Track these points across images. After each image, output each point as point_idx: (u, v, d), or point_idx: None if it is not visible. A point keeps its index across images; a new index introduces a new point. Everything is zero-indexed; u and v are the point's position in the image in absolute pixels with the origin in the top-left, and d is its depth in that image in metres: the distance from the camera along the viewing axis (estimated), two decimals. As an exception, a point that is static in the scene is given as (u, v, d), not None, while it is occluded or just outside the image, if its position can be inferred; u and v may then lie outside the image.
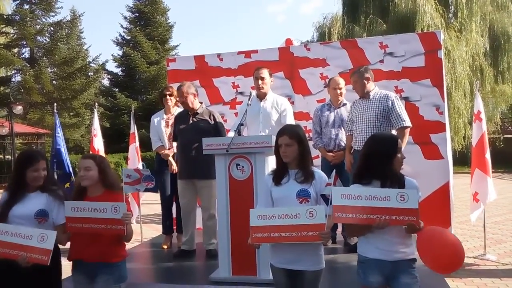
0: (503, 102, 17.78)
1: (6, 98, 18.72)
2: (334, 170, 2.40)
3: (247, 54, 5.60)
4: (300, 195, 2.33)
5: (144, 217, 8.06)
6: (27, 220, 2.48)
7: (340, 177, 2.47)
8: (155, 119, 4.76)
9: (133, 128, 6.40)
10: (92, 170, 2.51)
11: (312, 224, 2.20)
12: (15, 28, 21.92)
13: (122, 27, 25.60)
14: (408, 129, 3.90)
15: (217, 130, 4.06)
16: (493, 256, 5.25)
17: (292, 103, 5.09)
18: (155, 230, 7.12)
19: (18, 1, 22.07)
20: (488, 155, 5.17)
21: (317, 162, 4.29)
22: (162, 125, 4.68)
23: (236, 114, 4.80)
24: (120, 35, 25.54)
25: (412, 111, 4.64)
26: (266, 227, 2.27)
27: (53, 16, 23.28)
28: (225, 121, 4.47)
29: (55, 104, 8.59)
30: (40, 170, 2.54)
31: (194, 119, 4.12)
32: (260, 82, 4.09)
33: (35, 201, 2.53)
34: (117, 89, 24.95)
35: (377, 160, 2.23)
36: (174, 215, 4.72)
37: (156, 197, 5.05)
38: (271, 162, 3.12)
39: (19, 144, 18.69)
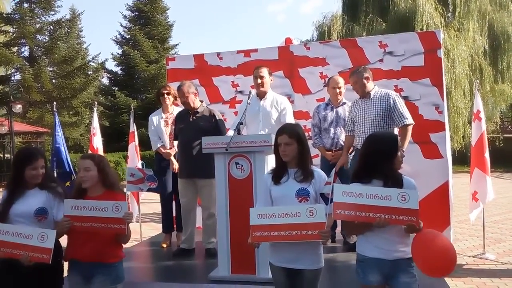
0: (502, 102, 17.76)
1: (6, 96, 18.65)
2: (334, 169, 2.40)
3: (247, 53, 5.59)
4: (299, 194, 2.33)
5: (143, 216, 8.06)
6: (27, 218, 2.47)
7: (340, 176, 2.47)
8: (153, 118, 4.75)
9: (133, 127, 6.40)
10: (91, 171, 2.49)
11: (312, 223, 2.21)
12: (14, 26, 21.89)
13: (121, 26, 25.69)
14: (411, 127, 3.91)
15: (217, 128, 4.06)
16: (492, 255, 5.25)
17: (292, 102, 5.09)
18: (154, 229, 7.12)
19: (17, 0, 22.05)
20: (487, 155, 5.18)
21: (317, 161, 4.30)
22: (161, 124, 4.68)
23: (235, 113, 4.81)
24: (119, 34, 25.57)
25: (411, 110, 4.60)
26: (266, 226, 2.27)
27: (52, 14, 23.33)
28: (224, 120, 4.47)
29: (55, 102, 8.57)
30: (39, 168, 2.53)
31: (194, 118, 4.13)
32: (259, 81, 4.10)
33: (35, 199, 2.53)
34: (116, 88, 24.95)
35: (377, 159, 2.23)
36: (174, 214, 4.72)
37: (155, 196, 5.04)
38: (270, 161, 3.13)
39: (18, 143, 18.62)
